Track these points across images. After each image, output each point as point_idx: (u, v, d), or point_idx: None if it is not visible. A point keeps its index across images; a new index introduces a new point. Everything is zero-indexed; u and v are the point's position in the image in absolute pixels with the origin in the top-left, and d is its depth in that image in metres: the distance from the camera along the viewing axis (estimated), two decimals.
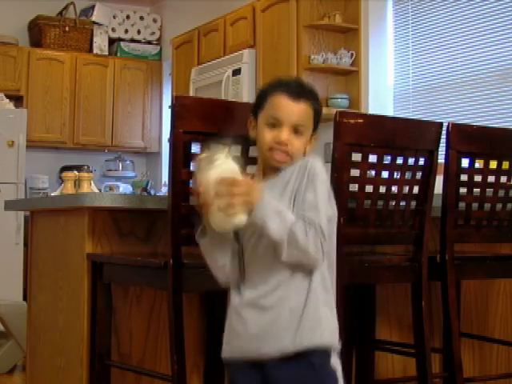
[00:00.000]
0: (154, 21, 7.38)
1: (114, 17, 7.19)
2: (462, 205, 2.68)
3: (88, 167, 6.61)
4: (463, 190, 2.69)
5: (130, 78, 7.15)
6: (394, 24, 5.07)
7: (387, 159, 2.46)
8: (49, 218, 2.97)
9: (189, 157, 2.21)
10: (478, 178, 2.72)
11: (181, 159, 2.19)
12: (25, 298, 3.87)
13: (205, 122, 2.19)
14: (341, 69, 5.08)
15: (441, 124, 2.56)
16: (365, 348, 2.88)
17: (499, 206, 2.78)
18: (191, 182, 1.67)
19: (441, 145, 2.54)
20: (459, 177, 2.66)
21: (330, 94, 5.07)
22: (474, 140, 2.68)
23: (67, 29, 6.83)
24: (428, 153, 2.52)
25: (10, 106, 6.25)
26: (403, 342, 2.88)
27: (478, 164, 2.76)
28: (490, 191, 2.75)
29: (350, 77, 5.14)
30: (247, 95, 5.26)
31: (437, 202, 2.60)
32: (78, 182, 3.58)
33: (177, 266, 2.17)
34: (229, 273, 1.75)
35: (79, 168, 5.73)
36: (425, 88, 4.80)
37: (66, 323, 2.75)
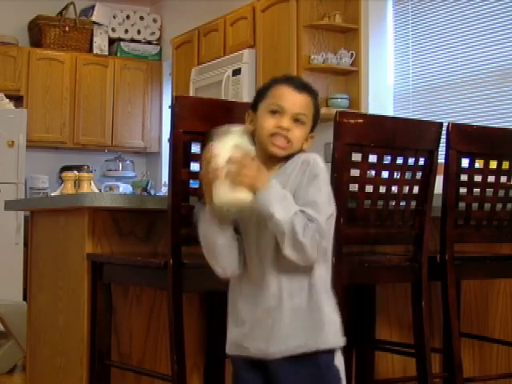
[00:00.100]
0: (154, 21, 7.38)
1: (114, 17, 7.19)
2: (462, 205, 2.68)
3: (88, 167, 6.61)
4: (463, 190, 2.69)
5: (130, 77, 7.15)
6: (394, 24, 5.07)
7: (387, 159, 2.46)
8: (49, 217, 2.97)
9: (189, 157, 2.21)
10: (478, 178, 2.72)
11: (181, 159, 2.20)
12: (25, 298, 3.87)
13: (205, 121, 2.18)
14: (341, 69, 5.08)
15: (441, 124, 2.56)
16: (365, 348, 2.88)
17: (499, 205, 2.78)
18: (204, 151, 1.67)
19: (441, 145, 2.54)
20: (459, 177, 2.66)
21: (330, 93, 5.07)
22: (474, 140, 2.68)
23: (67, 29, 6.83)
24: (428, 153, 2.52)
25: (10, 106, 6.25)
26: (403, 341, 2.88)
27: (478, 164, 2.76)
28: (490, 191, 2.75)
29: (350, 77, 5.14)
30: (247, 95, 5.26)
31: (437, 202, 2.60)
32: (77, 182, 3.58)
33: (177, 265, 2.17)
34: (228, 263, 1.72)
35: (79, 168, 5.73)
36: (425, 88, 4.80)
37: (66, 323, 2.75)
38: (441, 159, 2.58)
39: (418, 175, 2.54)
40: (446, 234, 2.62)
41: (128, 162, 7.26)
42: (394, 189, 2.50)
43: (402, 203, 2.51)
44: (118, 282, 2.56)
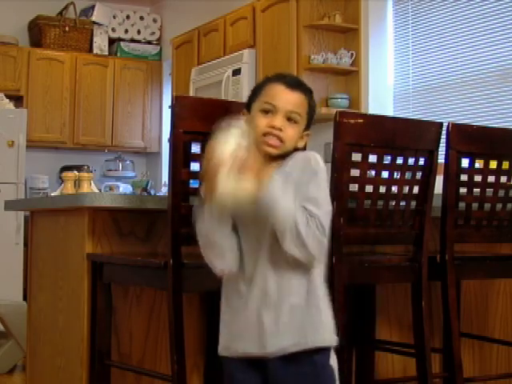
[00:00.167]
0: (154, 21, 7.38)
1: (114, 17, 7.19)
2: (462, 205, 2.68)
3: (88, 167, 6.61)
4: (463, 190, 2.69)
5: (130, 78, 7.15)
6: (394, 24, 5.07)
7: (387, 159, 2.46)
8: (49, 217, 2.97)
9: (189, 157, 2.21)
10: (478, 178, 2.72)
11: (181, 159, 2.20)
12: (25, 298, 3.87)
13: (205, 121, 2.18)
14: (341, 69, 5.08)
15: (441, 124, 2.56)
16: (365, 348, 2.88)
17: (499, 205, 2.78)
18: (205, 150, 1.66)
19: (441, 145, 2.54)
20: (459, 177, 2.66)
21: (329, 93, 5.07)
22: (474, 140, 2.68)
23: (67, 29, 6.83)
24: (428, 153, 2.52)
25: (10, 105, 6.25)
26: (403, 341, 2.88)
27: (478, 164, 2.76)
28: (490, 191, 2.75)
29: (350, 77, 5.14)
30: (247, 95, 5.25)
31: (437, 202, 2.60)
32: (77, 182, 3.58)
33: (177, 265, 2.17)
34: (227, 260, 1.71)
35: (79, 168, 5.73)
36: (425, 88, 4.80)
37: (66, 323, 2.75)
38: (441, 159, 2.58)
39: (418, 175, 2.54)
40: (445, 234, 2.62)
41: (128, 162, 7.26)
42: (394, 189, 2.50)
43: (402, 203, 2.51)
44: (117, 282, 2.56)
